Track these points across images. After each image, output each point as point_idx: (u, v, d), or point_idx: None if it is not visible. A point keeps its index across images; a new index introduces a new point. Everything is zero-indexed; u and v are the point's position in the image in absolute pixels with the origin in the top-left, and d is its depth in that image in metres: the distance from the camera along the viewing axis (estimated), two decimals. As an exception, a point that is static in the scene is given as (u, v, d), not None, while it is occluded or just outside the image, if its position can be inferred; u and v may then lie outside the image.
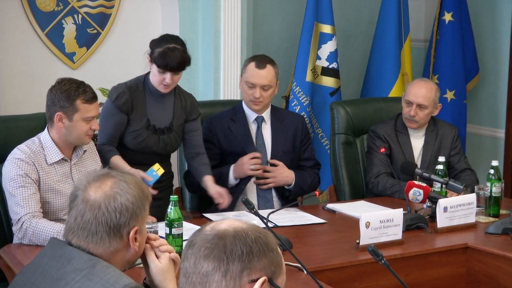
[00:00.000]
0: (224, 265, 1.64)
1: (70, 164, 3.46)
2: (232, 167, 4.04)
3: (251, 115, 4.14)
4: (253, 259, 1.66)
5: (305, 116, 5.39)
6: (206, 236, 1.68)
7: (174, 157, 4.97)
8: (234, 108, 4.21)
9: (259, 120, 4.14)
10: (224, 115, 4.20)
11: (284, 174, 4.07)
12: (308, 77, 5.45)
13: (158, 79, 3.89)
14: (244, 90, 4.11)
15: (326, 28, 5.46)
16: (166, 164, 4.15)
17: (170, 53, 3.84)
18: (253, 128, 4.15)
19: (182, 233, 3.01)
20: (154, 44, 3.92)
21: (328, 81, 5.48)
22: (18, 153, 3.32)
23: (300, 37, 5.45)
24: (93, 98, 3.40)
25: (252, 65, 4.09)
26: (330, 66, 5.47)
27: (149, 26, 5.43)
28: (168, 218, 2.99)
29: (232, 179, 4.04)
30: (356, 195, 4.47)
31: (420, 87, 4.25)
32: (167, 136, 4.03)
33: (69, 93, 3.34)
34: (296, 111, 5.37)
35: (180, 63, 3.87)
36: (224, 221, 1.72)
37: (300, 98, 5.42)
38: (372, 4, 5.98)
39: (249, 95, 4.07)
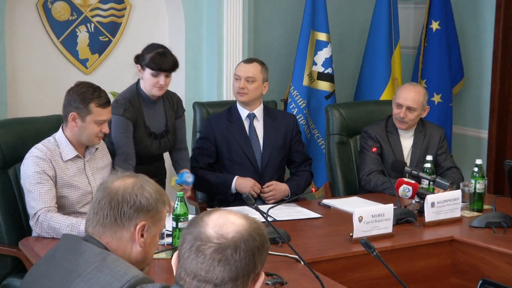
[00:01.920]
0: (237, 273, 1.62)
1: (84, 161, 3.46)
2: (235, 179, 4.03)
3: (243, 113, 4.14)
4: (257, 259, 1.65)
5: (302, 118, 5.40)
6: (217, 246, 1.62)
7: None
8: (230, 109, 4.20)
9: (251, 117, 4.14)
10: (222, 116, 4.20)
11: (282, 189, 4.06)
12: (305, 82, 5.45)
13: (152, 82, 3.93)
14: (233, 84, 4.14)
15: (322, 36, 5.46)
16: (160, 162, 4.22)
17: (162, 56, 3.93)
18: (246, 124, 4.14)
19: (187, 227, 3.01)
20: (144, 53, 3.96)
21: (324, 85, 5.48)
22: (35, 151, 3.32)
23: (297, 44, 5.45)
24: (106, 103, 3.40)
25: (241, 62, 4.20)
26: (326, 71, 5.48)
27: (157, 34, 5.43)
28: (174, 213, 2.99)
29: (233, 189, 4.04)
30: (350, 192, 4.46)
31: (410, 90, 4.24)
32: (166, 139, 4.13)
33: (85, 95, 3.35)
34: (294, 113, 5.37)
35: (172, 64, 3.96)
36: (225, 222, 1.67)
37: (298, 101, 5.43)
38: (364, 13, 5.98)
39: (236, 87, 4.09)
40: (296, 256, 2.85)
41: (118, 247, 2.04)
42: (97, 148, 3.53)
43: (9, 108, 4.83)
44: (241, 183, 4.01)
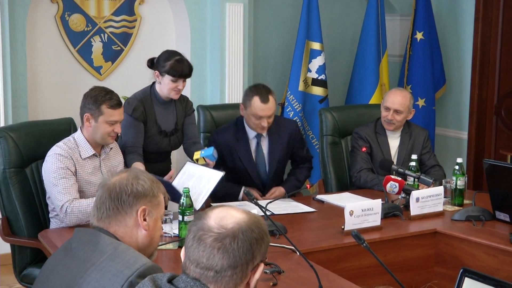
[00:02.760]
0: (235, 261, 1.62)
1: (100, 159, 3.46)
2: (242, 190, 3.90)
3: (251, 133, 4.04)
4: (256, 249, 1.65)
5: (297, 120, 5.40)
6: (217, 235, 1.63)
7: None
8: (236, 125, 4.06)
9: (259, 137, 4.06)
10: (228, 132, 4.07)
11: (281, 192, 4.05)
12: (301, 87, 5.45)
13: (171, 87, 3.90)
14: (251, 120, 3.95)
15: (316, 45, 5.45)
16: (168, 162, 4.23)
17: (181, 63, 3.91)
18: (253, 144, 4.06)
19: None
20: (161, 60, 3.94)
21: (318, 90, 5.48)
22: (57, 149, 3.32)
23: (293, 53, 5.45)
24: (117, 104, 3.39)
25: (256, 100, 3.89)
26: (319, 78, 5.47)
27: (165, 44, 5.42)
28: (181, 207, 2.99)
29: (240, 198, 4.00)
30: (342, 188, 4.45)
31: (397, 95, 4.24)
32: (175, 137, 4.09)
33: (97, 98, 3.36)
34: (290, 116, 5.37)
35: (190, 70, 3.95)
36: (226, 215, 1.67)
37: (294, 105, 5.42)
38: (355, 25, 5.98)
39: (257, 124, 3.94)
40: (292, 247, 2.84)
41: (125, 234, 2.03)
42: (111, 148, 3.53)
43: (29, 111, 4.82)
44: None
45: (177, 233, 3.03)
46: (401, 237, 3.31)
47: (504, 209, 3.44)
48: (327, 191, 4.46)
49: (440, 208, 3.61)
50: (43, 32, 4.98)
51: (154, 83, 4.05)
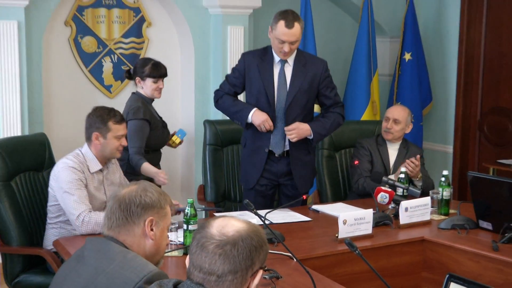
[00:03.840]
0: (235, 267, 1.63)
1: (103, 174, 3.46)
2: (254, 110, 3.77)
3: (277, 58, 3.84)
4: (255, 256, 1.65)
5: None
6: (218, 242, 1.64)
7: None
8: (265, 49, 3.87)
9: (283, 62, 3.85)
10: (256, 53, 3.89)
11: (304, 129, 3.80)
12: (297, 104, 5.44)
13: (154, 87, 4.17)
14: (275, 43, 3.74)
15: (311, 65, 5.46)
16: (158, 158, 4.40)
17: (158, 65, 4.20)
18: (277, 68, 3.82)
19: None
20: (139, 67, 4.19)
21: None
22: (70, 162, 3.31)
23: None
24: (121, 120, 3.44)
25: (281, 24, 3.67)
26: (314, 95, 5.47)
27: (171, 64, 5.43)
28: (185, 217, 2.99)
29: (249, 119, 3.79)
30: (336, 198, 4.45)
31: (397, 107, 4.37)
32: (167, 129, 4.37)
33: (103, 117, 3.38)
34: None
35: (166, 70, 4.27)
36: (227, 224, 1.68)
37: (291, 121, 5.42)
38: (347, 46, 6.00)
39: (280, 48, 3.72)
40: (290, 254, 2.84)
41: (133, 243, 2.03)
42: (112, 164, 3.54)
43: (44, 126, 4.83)
44: (257, 115, 3.76)
45: (182, 241, 3.03)
46: (391, 245, 3.31)
47: (487, 218, 3.44)
48: (322, 201, 4.46)
49: (427, 217, 3.61)
50: (57, 53, 4.99)
51: (133, 93, 4.25)
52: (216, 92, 3.99)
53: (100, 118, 3.38)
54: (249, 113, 3.79)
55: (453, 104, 5.82)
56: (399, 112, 4.26)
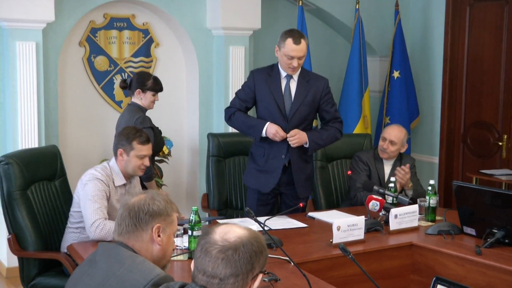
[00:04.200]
0: (237, 271, 1.62)
1: (126, 188, 3.44)
2: (267, 124, 3.78)
3: (283, 74, 3.86)
4: (255, 261, 1.64)
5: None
6: (221, 247, 1.63)
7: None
8: (272, 66, 3.91)
9: (288, 77, 3.87)
10: (264, 70, 3.92)
11: (303, 136, 3.81)
12: (294, 118, 5.45)
13: (152, 100, 4.26)
14: (283, 60, 3.76)
15: (307, 83, 5.46)
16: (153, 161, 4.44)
17: (158, 81, 4.28)
18: (283, 83, 3.87)
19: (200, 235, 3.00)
20: (140, 81, 4.22)
21: (309, 121, 5.48)
22: (98, 175, 3.30)
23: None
24: (146, 141, 3.40)
25: (289, 41, 3.70)
26: (310, 110, 5.48)
27: (177, 81, 5.46)
28: (190, 223, 2.98)
29: (263, 133, 3.81)
30: (329, 206, 4.44)
31: (394, 129, 4.26)
32: (162, 135, 4.42)
33: (129, 136, 3.37)
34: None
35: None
36: (229, 230, 1.68)
37: (288, 134, 5.41)
38: (340, 64, 6.01)
39: (288, 64, 3.74)
40: (287, 258, 2.83)
41: (142, 248, 2.02)
42: (134, 178, 3.53)
43: (59, 140, 4.83)
44: (270, 127, 3.78)
45: (187, 246, 3.02)
46: (382, 249, 3.29)
47: (471, 224, 3.43)
48: (316, 209, 4.45)
49: (415, 223, 3.60)
50: (72, 72, 5.01)
51: (130, 104, 4.25)
52: (227, 109, 3.97)
53: (126, 136, 3.37)
54: (263, 127, 3.81)
55: (438, 118, 5.82)
56: (396, 134, 4.20)
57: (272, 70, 3.89)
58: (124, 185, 3.42)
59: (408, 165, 4.13)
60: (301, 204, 3.75)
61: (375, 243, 3.32)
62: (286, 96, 3.86)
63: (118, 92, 5.15)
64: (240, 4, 5.17)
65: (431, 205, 3.74)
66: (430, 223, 3.69)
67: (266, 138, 3.84)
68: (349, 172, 4.08)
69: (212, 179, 4.50)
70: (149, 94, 4.20)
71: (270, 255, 2.84)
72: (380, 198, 3.66)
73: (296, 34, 3.73)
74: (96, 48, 5.06)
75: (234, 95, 4.02)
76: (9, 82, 4.48)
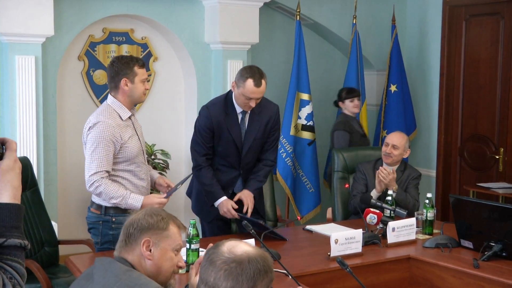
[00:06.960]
0: (237, 285, 1.59)
1: (132, 121, 3.36)
2: (222, 200, 3.69)
3: (238, 109, 3.72)
4: (258, 280, 1.61)
5: (289, 160, 5.40)
6: (226, 259, 1.62)
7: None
8: (225, 100, 3.73)
9: (243, 113, 3.74)
10: (219, 106, 3.73)
11: (249, 196, 3.74)
12: (292, 132, 5.47)
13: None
14: (241, 99, 3.61)
15: (305, 96, 5.49)
16: None
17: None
18: (239, 117, 3.74)
19: (198, 248, 2.99)
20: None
21: (307, 135, 5.50)
22: (104, 118, 3.19)
23: (285, 102, 5.48)
24: (143, 64, 3.34)
25: (250, 82, 3.54)
26: (308, 124, 5.50)
27: (175, 94, 5.46)
28: (188, 237, 2.97)
29: (215, 204, 3.73)
30: (347, 216, 4.39)
31: (396, 134, 4.33)
32: None
33: (128, 63, 3.27)
34: (283, 157, 5.37)
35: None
36: (238, 245, 1.66)
37: (286, 147, 5.43)
38: (338, 78, 6.03)
39: (246, 103, 3.61)
40: (285, 271, 2.82)
41: (135, 262, 2.01)
42: (134, 117, 3.42)
43: (58, 153, 4.82)
44: (223, 204, 3.69)
45: (185, 259, 3.01)
46: (380, 262, 3.29)
47: (468, 237, 3.43)
48: (334, 219, 4.39)
49: (413, 236, 3.59)
50: (71, 85, 5.01)
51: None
52: (196, 159, 3.78)
53: (126, 64, 3.26)
54: (217, 199, 3.70)
55: (435, 132, 5.83)
56: (397, 139, 4.26)
57: (227, 107, 3.72)
58: (129, 117, 3.33)
59: (394, 168, 4.14)
60: (299, 218, 3.74)
61: (373, 256, 3.31)
62: (242, 132, 3.75)
63: (116, 105, 5.15)
64: (238, 19, 5.19)
65: (428, 218, 3.73)
66: (427, 236, 3.69)
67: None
68: (346, 185, 4.08)
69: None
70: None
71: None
72: (377, 211, 3.66)
73: (257, 75, 3.56)
74: (95, 62, 5.07)
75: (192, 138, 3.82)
76: (8, 96, 4.49)
